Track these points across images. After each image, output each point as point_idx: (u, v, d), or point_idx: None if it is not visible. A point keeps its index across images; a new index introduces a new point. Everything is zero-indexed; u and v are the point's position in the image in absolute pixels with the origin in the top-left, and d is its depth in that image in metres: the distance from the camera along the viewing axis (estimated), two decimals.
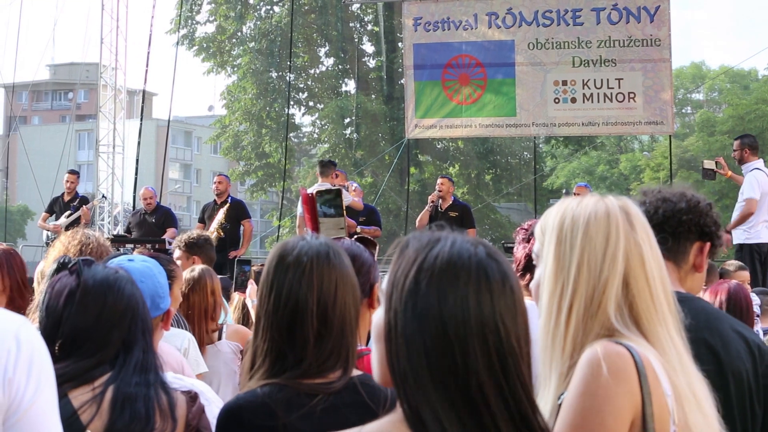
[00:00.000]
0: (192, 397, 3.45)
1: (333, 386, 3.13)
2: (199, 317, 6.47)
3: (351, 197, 14.98)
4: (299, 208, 13.66)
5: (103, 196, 21.88)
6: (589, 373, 2.55)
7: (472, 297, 2.09)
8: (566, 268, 2.66)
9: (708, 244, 3.51)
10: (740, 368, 3.16)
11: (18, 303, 4.94)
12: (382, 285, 2.21)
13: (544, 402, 2.67)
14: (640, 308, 2.65)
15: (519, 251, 5.50)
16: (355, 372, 3.25)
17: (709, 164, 15.90)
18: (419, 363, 2.08)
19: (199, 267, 6.90)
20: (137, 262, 4.01)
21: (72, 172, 19.35)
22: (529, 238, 5.56)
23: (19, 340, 2.39)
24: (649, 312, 2.66)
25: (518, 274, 4.84)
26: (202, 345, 6.41)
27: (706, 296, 6.20)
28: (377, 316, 2.22)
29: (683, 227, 3.45)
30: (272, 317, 3.15)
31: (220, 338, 6.71)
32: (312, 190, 13.78)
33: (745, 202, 13.85)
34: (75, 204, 18.23)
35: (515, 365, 2.09)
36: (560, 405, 2.61)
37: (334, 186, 13.98)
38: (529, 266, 5.28)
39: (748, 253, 13.89)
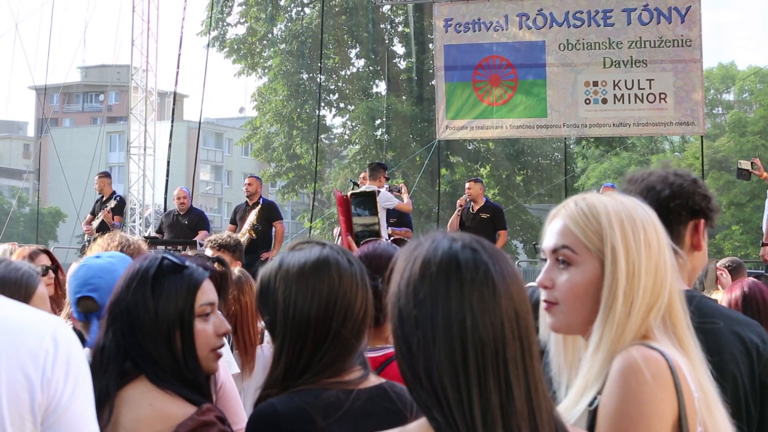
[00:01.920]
0: (203, 410, 3.31)
1: (361, 381, 3.16)
2: (253, 318, 6.37)
3: (396, 200, 14.95)
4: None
5: (119, 198, 21.85)
6: (632, 380, 2.53)
7: (441, 291, 2.12)
8: (637, 276, 2.63)
9: (702, 221, 3.46)
10: (734, 372, 3.13)
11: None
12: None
13: (572, 399, 2.67)
14: (673, 311, 2.66)
15: None
16: (381, 379, 3.27)
17: (744, 164, 15.85)
18: (408, 366, 2.15)
19: (238, 268, 6.89)
20: (102, 259, 4.03)
21: (99, 174, 19.39)
22: None
23: (56, 340, 2.40)
24: (680, 315, 2.68)
25: None
26: (252, 347, 6.33)
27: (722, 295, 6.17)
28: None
29: (673, 214, 3.40)
30: (298, 325, 3.15)
31: (262, 341, 6.61)
32: (350, 192, 13.80)
33: None
34: (107, 205, 18.30)
35: (485, 360, 2.09)
36: (592, 410, 2.60)
37: (369, 188, 14.00)
38: None
39: None
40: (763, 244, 13.98)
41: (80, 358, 2.46)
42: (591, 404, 2.61)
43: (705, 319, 3.17)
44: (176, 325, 3.29)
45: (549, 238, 2.79)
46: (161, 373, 3.26)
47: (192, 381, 3.31)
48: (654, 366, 2.54)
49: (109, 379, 3.21)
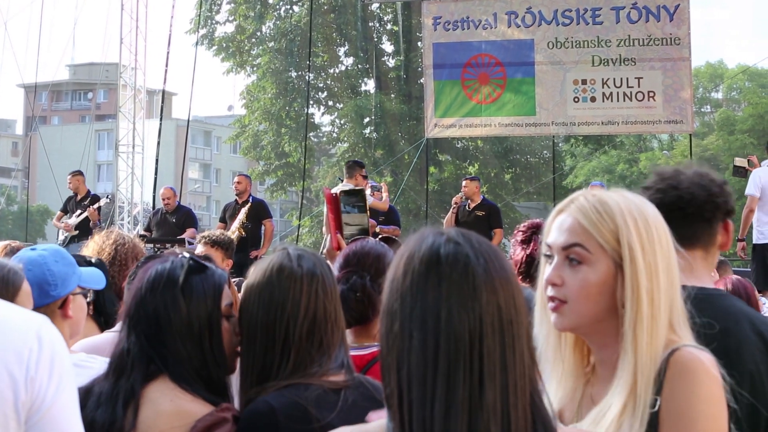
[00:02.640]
0: (222, 408, 3.32)
1: (348, 382, 3.21)
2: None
3: (371, 198, 14.97)
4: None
5: (108, 198, 21.79)
6: (706, 380, 2.55)
7: (421, 284, 2.11)
8: (654, 274, 2.62)
9: (730, 222, 3.49)
10: (752, 371, 3.10)
11: None
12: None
13: (618, 406, 2.66)
14: (680, 310, 2.68)
15: (518, 253, 5.46)
16: (356, 374, 3.33)
17: (740, 162, 15.89)
18: (383, 361, 2.15)
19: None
20: (36, 252, 4.02)
21: (73, 173, 19.35)
22: (530, 239, 5.52)
23: (41, 339, 2.40)
24: (683, 314, 2.69)
25: (518, 278, 4.76)
26: None
27: None
28: None
29: (719, 210, 3.41)
30: (290, 326, 3.19)
31: None
32: (336, 190, 13.80)
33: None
34: (86, 203, 18.28)
35: (459, 350, 2.07)
36: (654, 413, 2.58)
37: (357, 186, 14.00)
38: (530, 269, 5.23)
39: (760, 253, 13.89)
40: (739, 240, 14.04)
41: (64, 356, 2.45)
42: (653, 407, 2.59)
43: (728, 319, 3.19)
44: (206, 325, 3.32)
45: (558, 235, 2.76)
46: (185, 373, 3.28)
47: (216, 380, 3.35)
48: (715, 367, 2.57)
49: (134, 381, 3.23)
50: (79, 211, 18.17)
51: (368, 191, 15.31)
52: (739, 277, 6.85)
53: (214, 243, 8.88)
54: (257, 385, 3.18)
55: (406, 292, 2.13)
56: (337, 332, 3.29)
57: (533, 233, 5.52)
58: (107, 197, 20.10)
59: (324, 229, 16.90)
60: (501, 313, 2.12)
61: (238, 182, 17.25)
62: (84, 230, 17.59)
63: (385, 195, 16.09)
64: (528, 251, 5.42)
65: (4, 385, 2.32)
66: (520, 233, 5.61)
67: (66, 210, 18.84)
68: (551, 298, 2.74)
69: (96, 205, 18.29)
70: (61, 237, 18.57)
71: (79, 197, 18.66)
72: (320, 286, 3.26)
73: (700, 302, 2.82)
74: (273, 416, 3.08)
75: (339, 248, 5.04)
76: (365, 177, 15.70)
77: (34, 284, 3.71)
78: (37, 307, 3.72)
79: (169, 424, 3.16)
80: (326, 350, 3.23)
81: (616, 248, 2.65)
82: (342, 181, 15.92)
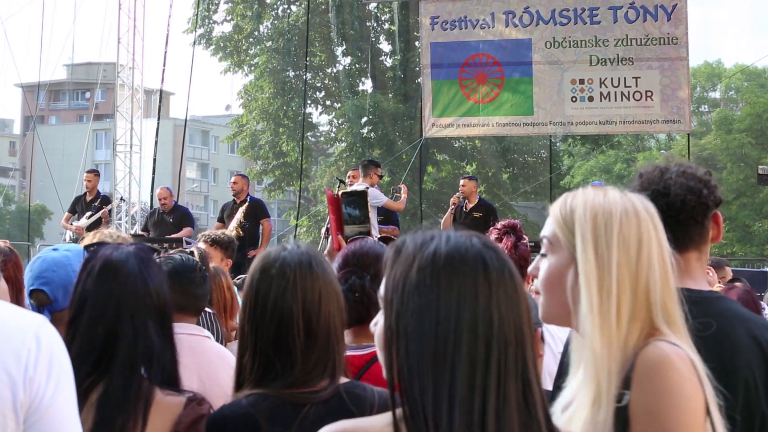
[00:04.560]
0: (191, 399, 3.40)
1: (320, 395, 3.16)
2: (219, 314, 6.36)
3: (384, 198, 15.03)
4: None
5: (122, 199, 21.85)
6: (672, 375, 2.55)
7: (469, 289, 2.09)
8: (606, 267, 2.62)
9: (718, 214, 3.48)
10: (747, 377, 3.09)
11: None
12: (380, 291, 2.21)
13: (580, 404, 2.67)
14: (669, 308, 2.66)
15: None
16: (343, 380, 3.27)
17: (764, 170, 15.86)
18: (423, 362, 2.08)
19: (211, 265, 6.88)
20: (59, 252, 4.02)
21: (91, 171, 19.39)
22: (501, 238, 5.57)
23: (39, 339, 2.40)
24: (676, 312, 2.67)
25: None
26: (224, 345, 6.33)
27: None
28: (377, 324, 2.24)
29: (709, 209, 3.40)
30: (258, 329, 3.19)
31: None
32: (349, 189, 13.85)
33: None
34: (96, 204, 18.26)
35: (509, 354, 2.08)
36: (621, 408, 2.59)
37: (360, 185, 14.04)
38: None
39: None
40: None
41: (63, 356, 2.46)
42: (620, 401, 2.61)
43: (724, 323, 3.18)
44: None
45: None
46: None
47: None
48: (684, 361, 2.57)
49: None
50: (89, 213, 18.13)
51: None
52: (746, 287, 6.84)
53: (214, 242, 8.89)
54: (253, 385, 3.18)
55: (413, 289, 2.11)
56: (335, 333, 3.26)
57: (505, 233, 5.59)
58: (120, 198, 20.09)
59: (322, 230, 16.88)
60: (528, 312, 2.15)
61: (234, 182, 17.27)
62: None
63: (404, 196, 16.15)
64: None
65: (2, 385, 2.33)
66: (495, 231, 5.68)
67: (74, 211, 18.81)
68: (533, 291, 2.79)
69: (108, 207, 18.32)
70: (66, 238, 18.54)
71: (89, 198, 18.64)
72: (321, 284, 3.23)
73: (695, 305, 2.82)
74: (223, 425, 3.13)
75: (340, 249, 5.03)
76: (381, 176, 15.74)
77: (59, 286, 3.72)
78: (63, 309, 3.73)
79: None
80: (321, 353, 3.21)
81: (572, 240, 2.68)
82: (342, 180, 15.95)
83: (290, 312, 3.16)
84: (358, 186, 14.16)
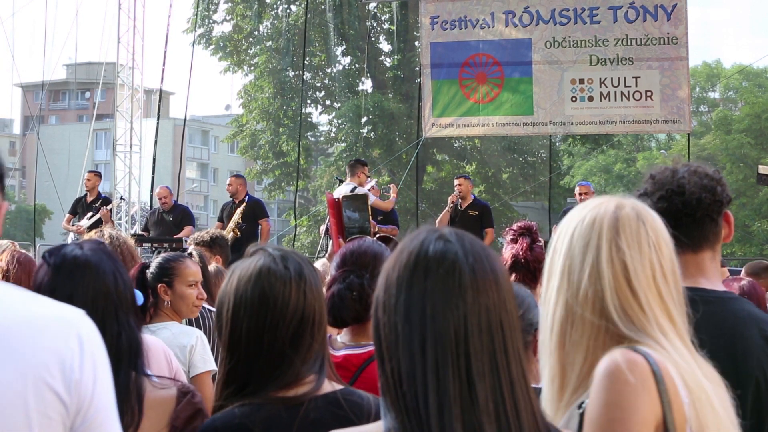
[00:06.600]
0: (184, 393, 3.41)
1: (311, 393, 3.10)
2: None
3: (373, 197, 15.02)
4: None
5: (122, 198, 21.86)
6: (613, 383, 2.53)
7: (407, 278, 2.12)
8: (556, 275, 2.68)
9: (729, 213, 3.50)
10: (758, 377, 3.10)
11: None
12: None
13: (556, 407, 2.69)
14: (631, 315, 2.62)
15: (506, 251, 5.55)
16: (338, 386, 3.22)
17: (764, 170, 15.83)
18: (395, 367, 2.11)
19: (213, 265, 6.88)
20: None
21: (93, 172, 19.40)
22: (516, 239, 5.60)
23: (81, 338, 2.34)
24: (640, 318, 2.63)
25: None
26: None
27: None
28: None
29: (723, 207, 3.42)
30: (245, 334, 3.11)
31: None
32: (339, 190, 13.85)
33: None
34: (97, 205, 18.26)
35: (445, 351, 2.08)
36: (582, 413, 2.60)
37: (357, 188, 14.04)
38: (514, 267, 5.37)
39: None
40: None
41: (104, 353, 2.41)
42: (580, 407, 2.62)
43: (736, 324, 3.18)
44: None
45: None
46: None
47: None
48: (636, 370, 2.53)
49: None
50: (90, 213, 18.12)
51: (368, 185, 15.34)
52: (751, 279, 6.82)
53: (197, 244, 8.88)
54: (235, 392, 3.11)
55: (392, 284, 2.14)
56: (319, 335, 3.20)
57: (521, 234, 5.62)
58: (120, 198, 20.06)
59: (321, 228, 16.91)
60: (489, 315, 2.13)
61: (229, 184, 17.40)
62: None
63: (393, 195, 16.15)
64: (513, 251, 5.51)
65: (48, 391, 2.29)
66: (511, 231, 5.72)
67: (75, 212, 18.80)
68: None
69: (109, 207, 18.32)
70: (69, 240, 18.51)
71: (90, 198, 18.63)
72: (308, 286, 3.17)
73: (709, 305, 2.81)
74: None
75: None
76: (368, 176, 15.72)
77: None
78: None
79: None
80: (312, 355, 3.16)
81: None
82: (341, 181, 15.96)
83: (282, 315, 3.10)
84: (347, 186, 14.19)
